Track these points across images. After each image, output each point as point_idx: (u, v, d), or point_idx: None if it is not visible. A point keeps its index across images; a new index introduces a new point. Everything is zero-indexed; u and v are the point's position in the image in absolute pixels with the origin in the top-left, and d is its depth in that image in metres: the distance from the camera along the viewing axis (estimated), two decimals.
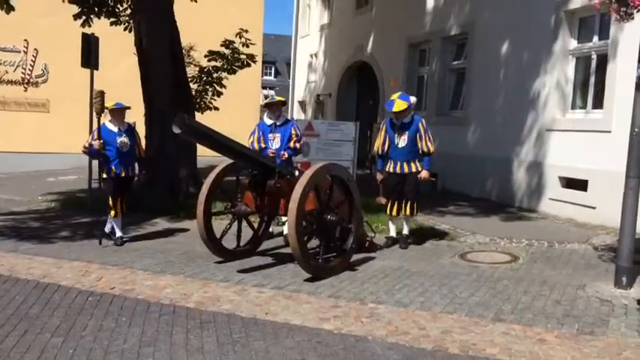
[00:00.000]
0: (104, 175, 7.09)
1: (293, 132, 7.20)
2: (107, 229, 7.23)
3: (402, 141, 6.83)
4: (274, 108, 7.23)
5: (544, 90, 9.41)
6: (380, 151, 7.03)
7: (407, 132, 6.80)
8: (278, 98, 7.42)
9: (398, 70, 14.28)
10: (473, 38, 11.44)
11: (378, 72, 15.56)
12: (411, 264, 6.23)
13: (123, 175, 7.09)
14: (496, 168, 10.25)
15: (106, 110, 7.10)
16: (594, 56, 8.78)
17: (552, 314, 4.59)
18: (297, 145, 7.21)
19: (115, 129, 7.09)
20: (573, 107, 9.23)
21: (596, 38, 8.75)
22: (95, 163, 7.38)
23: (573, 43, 9.14)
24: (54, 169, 16.51)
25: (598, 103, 8.61)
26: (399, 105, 6.71)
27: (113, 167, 7.03)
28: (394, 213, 7.00)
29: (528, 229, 7.94)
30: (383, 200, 7.02)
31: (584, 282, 5.44)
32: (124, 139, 7.06)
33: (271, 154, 6.87)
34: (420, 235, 7.47)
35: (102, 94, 6.97)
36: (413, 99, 6.94)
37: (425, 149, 6.79)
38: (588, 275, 5.71)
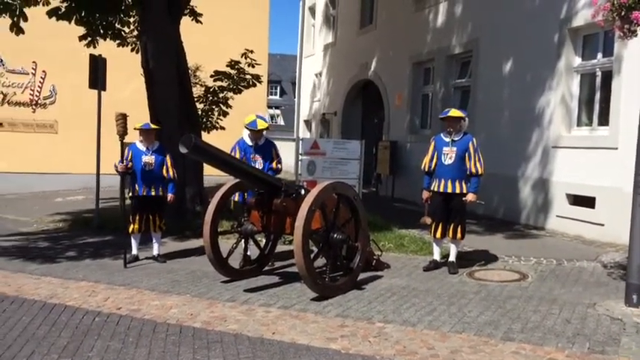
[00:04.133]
0: (130, 194, 7.19)
1: (274, 152, 7.14)
2: (134, 250, 7.27)
3: (450, 159, 6.52)
4: (258, 134, 7.03)
5: (549, 107, 9.43)
6: (427, 168, 6.70)
7: (456, 149, 6.50)
8: (261, 124, 6.98)
9: (402, 88, 14.36)
10: (477, 56, 11.50)
11: (383, 90, 15.64)
12: (418, 283, 6.19)
13: (144, 194, 7.11)
14: (502, 185, 10.22)
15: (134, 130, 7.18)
16: (599, 73, 8.80)
17: (562, 333, 4.53)
18: (279, 166, 7.14)
19: (143, 148, 7.19)
20: (579, 124, 9.23)
21: (600, 55, 8.78)
22: (108, 182, 7.44)
23: (577, 60, 9.18)
24: (62, 189, 16.61)
25: (604, 120, 8.61)
26: (454, 112, 6.56)
27: (136, 186, 7.12)
28: (438, 235, 6.67)
29: (536, 247, 7.89)
30: (428, 220, 6.69)
31: (594, 300, 5.38)
32: (148, 158, 7.12)
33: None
34: (428, 254, 7.42)
35: (124, 116, 6.97)
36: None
37: (473, 170, 6.42)
38: (598, 293, 5.65)
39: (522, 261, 7.14)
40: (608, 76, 8.51)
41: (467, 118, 6.82)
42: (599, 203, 8.31)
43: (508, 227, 9.38)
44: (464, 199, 6.48)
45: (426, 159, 6.74)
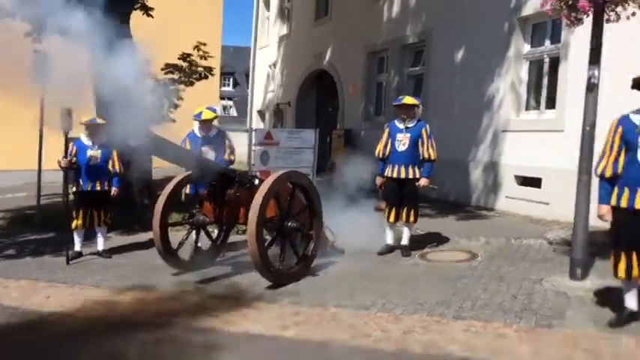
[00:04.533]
0: (74, 189, 6.98)
1: (227, 143, 6.99)
2: (77, 246, 7.05)
3: (404, 145, 6.58)
4: (207, 126, 6.89)
5: (499, 93, 9.62)
6: (380, 154, 6.75)
7: (410, 136, 6.56)
8: (207, 115, 6.82)
9: (357, 77, 14.40)
10: (430, 45, 11.63)
11: (337, 80, 15.65)
12: (371, 267, 6.22)
13: (89, 189, 6.92)
14: (454, 169, 10.36)
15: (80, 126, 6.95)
16: (547, 59, 9.03)
17: (510, 309, 4.63)
18: (232, 157, 6.98)
19: (89, 143, 6.99)
20: (527, 108, 9.46)
21: (548, 42, 9.01)
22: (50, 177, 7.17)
23: (527, 48, 9.39)
24: (1, 186, 15.93)
25: (551, 104, 8.85)
26: (408, 99, 6.62)
27: (80, 181, 6.91)
28: (392, 219, 6.72)
29: (486, 227, 8.06)
30: (382, 206, 6.76)
31: (540, 276, 5.52)
32: (94, 152, 6.93)
33: None
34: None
35: (69, 111, 6.66)
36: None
37: (426, 155, 6.52)
38: (544, 269, 5.80)
39: (472, 241, 7.25)
40: (555, 62, 8.75)
41: (421, 105, 6.87)
42: (545, 183, 8.56)
43: (459, 209, 9.54)
44: (417, 183, 6.56)
45: (380, 145, 6.78)
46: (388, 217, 6.73)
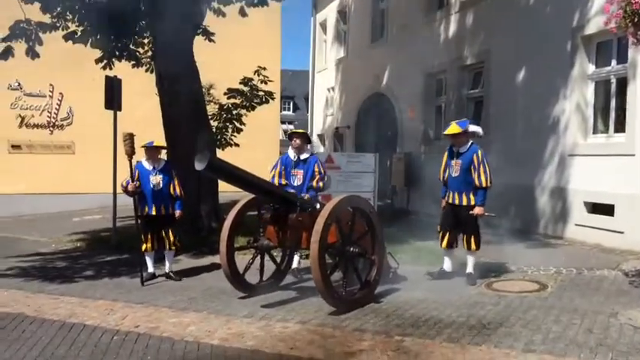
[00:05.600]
0: (139, 213, 7.20)
1: (316, 169, 6.96)
2: (150, 267, 7.27)
3: (456, 172, 6.55)
4: (294, 139, 6.99)
5: (564, 115, 9.37)
6: (441, 178, 6.77)
7: (461, 162, 6.50)
8: (298, 130, 7.24)
9: (415, 100, 14.36)
10: (489, 66, 11.49)
11: (396, 103, 15.65)
12: (436, 295, 6.12)
13: (154, 213, 7.13)
14: (519, 195, 10.13)
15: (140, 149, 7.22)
16: (613, 80, 8.74)
17: (585, 343, 4.45)
18: (320, 184, 6.94)
19: (150, 167, 7.21)
20: (595, 132, 9.15)
21: (614, 62, 8.73)
22: (124, 200, 7.48)
23: (591, 68, 9.12)
24: (79, 209, 16.78)
25: (620, 127, 8.54)
26: (452, 128, 6.55)
27: (146, 206, 7.14)
28: (444, 245, 6.68)
29: (555, 256, 7.79)
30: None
31: (616, 309, 5.29)
32: (155, 178, 7.15)
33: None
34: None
35: (131, 136, 6.99)
36: (474, 127, 6.68)
37: (477, 182, 6.40)
38: (620, 302, 5.55)
39: (542, 271, 7.05)
40: (622, 83, 8.46)
41: (473, 127, 6.74)
42: (617, 210, 8.20)
43: (526, 237, 9.28)
44: (471, 212, 6.46)
45: (441, 169, 6.83)
46: (441, 242, 6.74)
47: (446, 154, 6.76)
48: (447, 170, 6.66)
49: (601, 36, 8.67)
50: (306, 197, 6.51)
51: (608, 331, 4.72)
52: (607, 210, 8.43)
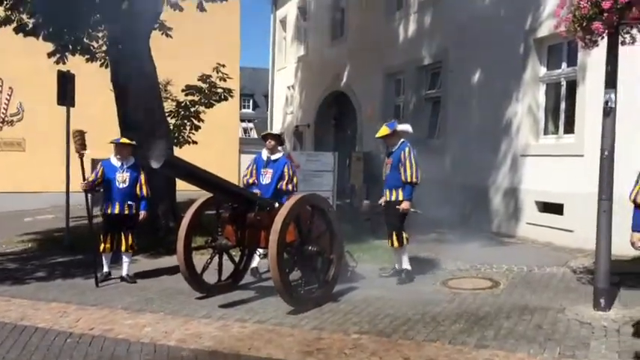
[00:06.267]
0: (101, 211, 7.09)
1: (285, 170, 6.98)
2: (105, 267, 7.10)
3: (387, 168, 6.73)
4: (269, 140, 7.08)
5: (516, 116, 9.64)
6: (383, 177, 6.91)
7: (392, 160, 6.68)
8: (271, 132, 7.31)
9: (374, 99, 14.50)
10: (446, 67, 11.70)
11: (355, 102, 15.76)
12: (393, 293, 6.22)
13: (117, 212, 6.95)
14: (473, 194, 10.38)
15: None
16: (564, 82, 9.04)
17: (534, 339, 4.61)
18: (289, 187, 6.93)
19: (118, 164, 7.04)
20: (546, 133, 9.45)
21: (564, 65, 9.03)
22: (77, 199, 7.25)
23: (543, 70, 9.41)
24: (31, 208, 16.23)
25: (569, 128, 8.84)
26: (382, 131, 6.73)
27: (110, 204, 6.96)
28: (389, 243, 6.78)
29: (508, 255, 8.01)
30: None
31: (564, 305, 5.49)
32: (123, 174, 6.98)
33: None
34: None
35: (81, 133, 6.84)
36: (402, 126, 6.79)
37: (403, 178, 6.54)
38: (568, 298, 5.77)
39: (494, 268, 7.24)
40: (572, 85, 8.76)
41: (402, 126, 6.85)
42: (567, 210, 8.50)
43: (480, 235, 9.49)
44: (397, 207, 6.59)
45: (383, 170, 6.98)
46: (389, 241, 6.82)
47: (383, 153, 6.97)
48: (385, 170, 6.86)
49: (552, 39, 8.94)
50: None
51: (556, 326, 4.90)
52: (557, 209, 8.72)
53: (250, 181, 7.06)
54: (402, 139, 6.73)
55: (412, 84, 12.95)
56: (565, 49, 8.96)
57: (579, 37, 5.18)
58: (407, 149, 6.62)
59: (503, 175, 9.89)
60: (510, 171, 9.75)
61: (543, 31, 9.07)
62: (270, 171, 7.00)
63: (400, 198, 6.59)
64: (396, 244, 6.67)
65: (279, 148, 7.23)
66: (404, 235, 6.66)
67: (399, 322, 5.13)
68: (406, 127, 6.86)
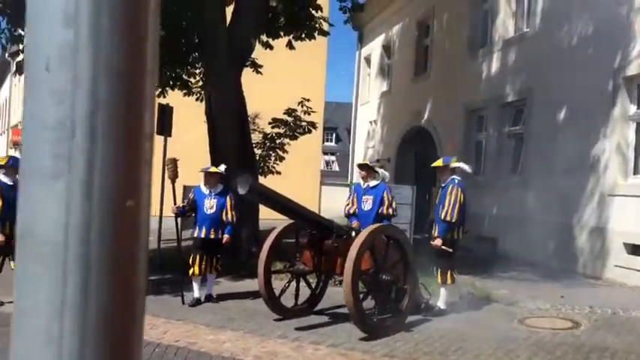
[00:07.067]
0: (193, 235, 7.50)
1: (384, 196, 7.27)
2: (196, 292, 7.33)
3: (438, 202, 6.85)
4: (360, 170, 7.54)
5: (604, 155, 9.35)
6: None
7: (440, 193, 6.80)
8: (365, 162, 7.85)
9: (455, 135, 14.48)
10: (530, 104, 11.57)
11: (436, 137, 15.80)
12: (467, 327, 6.19)
13: (203, 236, 7.27)
14: (557, 233, 10.08)
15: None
16: None
17: None
18: (390, 211, 7.20)
19: (206, 191, 7.43)
20: (635, 172, 9.09)
21: None
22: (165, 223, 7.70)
23: (633, 109, 9.13)
24: None
25: None
26: (437, 162, 7.01)
27: (197, 229, 7.35)
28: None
29: (592, 296, 7.72)
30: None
31: None
32: (209, 202, 7.33)
33: (355, 226, 6.90)
34: (479, 299, 7.42)
35: (174, 161, 7.26)
36: (459, 164, 6.85)
37: (440, 214, 6.59)
38: None
39: (576, 310, 7.01)
40: None
41: (459, 163, 6.94)
42: None
43: (564, 275, 9.19)
44: (431, 242, 6.80)
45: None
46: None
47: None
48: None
49: None
50: (354, 224, 7.00)
51: None
52: None
53: (351, 211, 7.40)
54: (452, 176, 6.73)
55: (494, 121, 12.86)
56: None
57: None
58: (452, 186, 6.61)
59: (589, 214, 9.57)
60: (597, 210, 9.42)
61: (633, 70, 8.83)
62: (370, 197, 7.30)
63: (434, 234, 6.67)
64: (439, 280, 6.68)
65: (376, 175, 7.52)
66: (449, 274, 6.64)
67: (471, 356, 5.14)
68: (462, 165, 6.86)
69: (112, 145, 0.58)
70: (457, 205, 6.49)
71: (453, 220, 6.51)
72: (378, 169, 7.37)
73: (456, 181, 6.70)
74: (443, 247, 6.57)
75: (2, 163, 7.12)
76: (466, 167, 6.90)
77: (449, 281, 6.68)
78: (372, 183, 7.41)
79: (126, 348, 0.61)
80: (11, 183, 6.85)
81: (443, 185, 6.82)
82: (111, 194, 0.59)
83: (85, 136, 0.57)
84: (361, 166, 7.68)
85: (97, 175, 0.58)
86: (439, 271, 6.67)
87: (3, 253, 6.83)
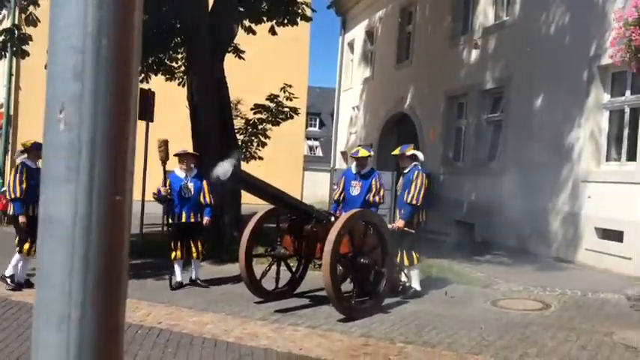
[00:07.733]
0: (170, 221, 7.51)
1: (373, 183, 7.28)
2: (178, 276, 7.43)
3: (400, 189, 7.11)
4: (359, 161, 7.44)
5: (578, 142, 9.60)
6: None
7: (403, 180, 7.08)
8: (363, 153, 7.48)
9: (436, 122, 14.68)
10: (509, 92, 11.78)
11: (418, 124, 15.99)
12: (442, 309, 6.43)
13: (184, 220, 7.38)
14: (533, 218, 10.36)
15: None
16: (627, 110, 8.96)
17: (576, 358, 4.72)
18: (376, 199, 7.24)
19: (182, 175, 7.48)
20: (608, 159, 9.36)
21: (628, 92, 8.96)
22: (150, 208, 7.79)
23: (606, 97, 9.36)
24: None
25: (632, 156, 8.73)
26: (395, 150, 7.28)
27: (176, 213, 7.41)
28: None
29: (563, 279, 7.99)
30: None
31: (612, 329, 5.52)
32: (187, 184, 7.39)
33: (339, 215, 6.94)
34: (454, 283, 7.65)
35: (166, 142, 7.25)
36: (414, 152, 7.16)
37: (405, 198, 6.84)
38: (618, 323, 5.78)
39: (547, 291, 7.27)
40: (636, 113, 8.68)
41: (414, 151, 7.22)
42: (627, 237, 8.38)
43: (537, 259, 9.49)
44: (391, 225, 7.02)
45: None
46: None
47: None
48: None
49: (616, 66, 8.90)
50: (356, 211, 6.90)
51: (600, 348, 4.97)
52: (617, 236, 8.61)
53: (340, 197, 7.38)
54: (414, 163, 7.01)
55: (474, 107, 13.07)
56: (629, 76, 8.89)
57: (634, 66, 5.30)
58: (417, 172, 6.92)
59: (564, 200, 9.84)
60: (571, 196, 9.69)
61: (607, 59, 9.02)
62: (359, 183, 7.35)
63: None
64: (405, 262, 6.87)
65: (368, 162, 7.56)
66: (413, 254, 6.87)
67: (445, 335, 5.35)
68: (418, 153, 7.21)
69: (106, 161, 0.87)
70: (423, 190, 6.81)
71: (419, 204, 6.80)
72: (414, 152, 7.15)
73: (419, 167, 7.02)
74: (406, 228, 6.78)
75: (27, 146, 7.16)
76: (420, 155, 7.26)
77: (415, 261, 6.91)
78: (365, 170, 7.35)
79: (115, 297, 0.91)
80: (34, 167, 6.93)
81: (405, 172, 7.03)
82: (105, 193, 0.87)
83: (87, 154, 0.86)
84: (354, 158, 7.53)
85: (96, 180, 0.87)
86: (405, 253, 6.86)
87: (31, 240, 6.78)
